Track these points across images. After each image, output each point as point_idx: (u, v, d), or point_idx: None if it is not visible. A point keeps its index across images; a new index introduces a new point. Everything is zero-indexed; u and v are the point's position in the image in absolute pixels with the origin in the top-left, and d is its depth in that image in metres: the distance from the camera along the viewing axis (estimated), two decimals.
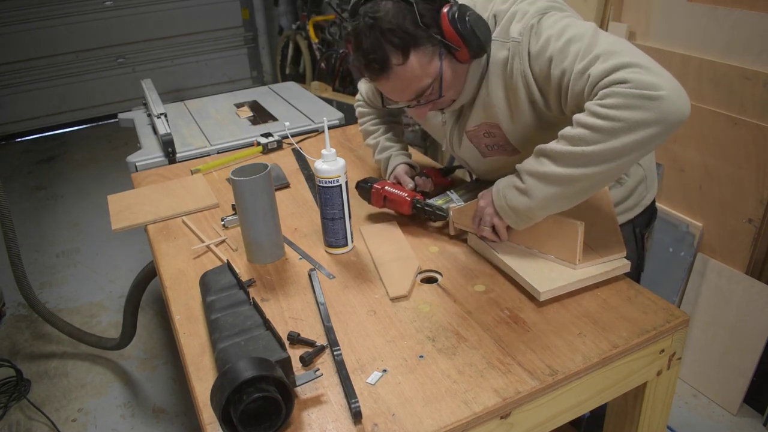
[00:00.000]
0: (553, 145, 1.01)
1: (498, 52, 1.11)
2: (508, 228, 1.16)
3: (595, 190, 1.05)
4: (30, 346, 2.55)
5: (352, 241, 1.28)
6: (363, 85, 1.56)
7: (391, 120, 1.57)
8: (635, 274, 1.37)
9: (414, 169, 1.46)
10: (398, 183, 1.41)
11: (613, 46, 0.98)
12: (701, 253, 2.04)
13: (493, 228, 1.17)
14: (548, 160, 1.02)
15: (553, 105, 1.09)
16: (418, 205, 1.31)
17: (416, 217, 1.35)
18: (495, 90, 1.14)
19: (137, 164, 1.94)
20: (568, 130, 1.00)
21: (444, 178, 1.48)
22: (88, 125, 5.29)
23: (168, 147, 1.93)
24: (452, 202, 1.35)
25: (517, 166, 1.09)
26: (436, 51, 1.08)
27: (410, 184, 1.38)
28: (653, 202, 1.37)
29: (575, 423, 1.53)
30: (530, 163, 1.06)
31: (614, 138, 0.94)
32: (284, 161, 1.77)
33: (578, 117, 0.98)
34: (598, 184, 1.02)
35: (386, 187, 1.36)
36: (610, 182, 1.19)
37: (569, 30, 1.02)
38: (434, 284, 1.15)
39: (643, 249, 1.39)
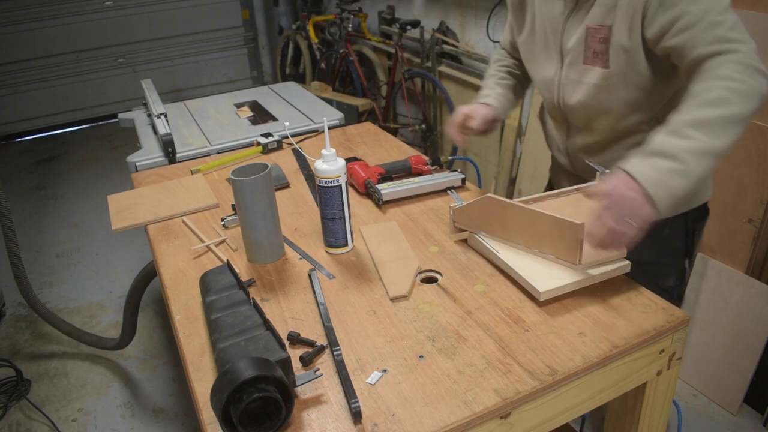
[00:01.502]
0: (696, 113, 0.98)
1: None
2: (508, 228, 1.16)
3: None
4: (30, 346, 2.55)
5: (352, 241, 1.29)
6: (506, 32, 1.52)
7: (512, 70, 1.51)
8: (680, 272, 1.37)
9: (489, 110, 1.41)
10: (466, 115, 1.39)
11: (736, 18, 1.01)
12: (701, 253, 2.04)
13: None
14: (696, 131, 0.96)
15: (647, 31, 1.08)
16: (367, 186, 1.49)
17: (369, 196, 1.51)
18: None
19: (137, 164, 1.94)
20: (703, 94, 0.98)
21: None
22: (88, 125, 5.29)
23: (168, 147, 1.93)
24: (412, 185, 1.42)
25: (655, 146, 0.98)
26: None
27: (472, 121, 1.38)
28: (707, 202, 1.35)
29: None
30: (674, 141, 0.97)
31: (749, 101, 0.97)
32: (284, 161, 1.77)
33: (712, 80, 0.98)
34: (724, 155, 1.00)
35: (355, 166, 1.55)
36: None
37: None
38: (434, 284, 1.15)
39: (693, 245, 1.37)
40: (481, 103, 1.43)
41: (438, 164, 1.61)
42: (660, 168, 0.96)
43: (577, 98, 1.25)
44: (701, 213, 1.35)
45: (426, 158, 1.61)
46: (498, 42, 3.01)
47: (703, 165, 0.96)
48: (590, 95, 1.22)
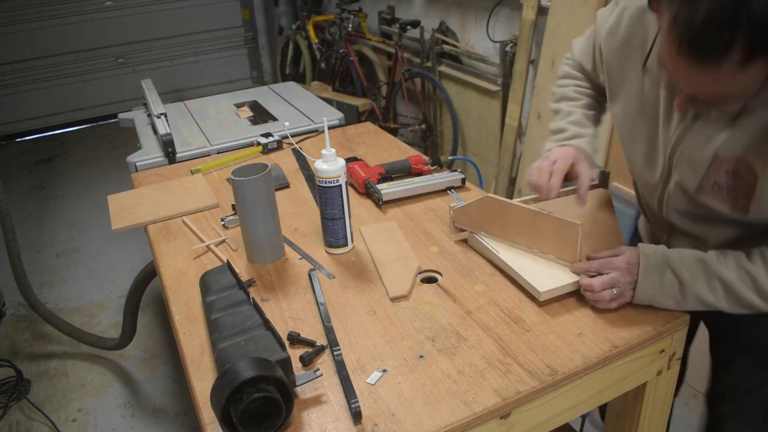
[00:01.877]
0: (742, 282, 0.93)
1: None
2: (508, 228, 1.16)
3: None
4: (30, 346, 2.55)
5: (352, 241, 1.29)
6: (579, 44, 1.26)
7: (596, 96, 1.26)
8: None
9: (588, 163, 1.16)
10: (572, 170, 1.12)
11: None
12: None
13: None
14: (724, 290, 0.94)
15: None
16: (367, 186, 1.49)
17: (369, 196, 1.51)
18: None
19: (137, 164, 1.94)
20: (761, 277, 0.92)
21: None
22: (88, 125, 5.29)
23: (168, 147, 1.93)
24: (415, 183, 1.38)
25: (685, 262, 0.96)
26: None
27: (583, 178, 1.11)
28: None
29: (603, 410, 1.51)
30: (699, 279, 0.95)
31: None
32: (284, 161, 1.77)
33: None
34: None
35: (355, 166, 1.55)
36: None
37: None
38: (434, 284, 1.15)
39: None
40: (582, 151, 1.15)
41: (438, 164, 1.61)
42: (663, 284, 0.99)
43: (687, 218, 1.04)
44: None
45: (426, 158, 1.61)
46: (498, 43, 3.02)
47: (695, 307, 0.98)
48: (707, 222, 1.01)
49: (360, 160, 1.63)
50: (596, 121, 1.24)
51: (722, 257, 0.95)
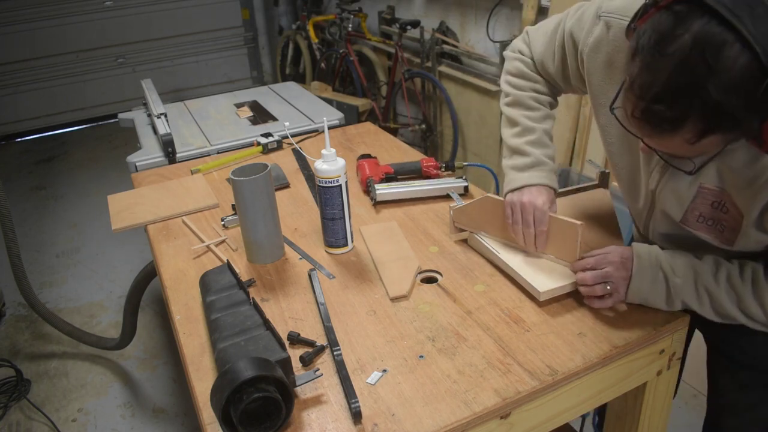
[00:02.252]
0: (727, 295, 0.93)
1: None
2: (508, 228, 1.16)
3: None
4: (30, 346, 2.55)
5: (352, 241, 1.29)
6: (541, 41, 1.16)
7: (553, 104, 1.22)
8: None
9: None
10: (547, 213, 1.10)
11: None
12: None
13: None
14: (709, 296, 0.94)
15: None
16: (368, 184, 1.47)
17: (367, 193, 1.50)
18: (744, 162, 0.84)
19: (137, 164, 1.94)
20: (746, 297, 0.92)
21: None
22: (88, 125, 5.29)
23: (168, 147, 1.93)
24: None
25: (675, 265, 0.96)
26: (737, 136, 0.76)
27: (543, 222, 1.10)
28: None
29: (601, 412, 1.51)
30: (688, 284, 0.95)
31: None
32: (284, 161, 1.77)
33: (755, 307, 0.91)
34: None
35: (364, 163, 1.54)
36: None
37: None
38: (434, 284, 1.15)
39: None
40: (539, 185, 1.12)
41: (451, 169, 1.57)
42: (654, 285, 0.98)
43: (673, 242, 1.03)
44: None
45: (440, 162, 1.58)
46: (498, 43, 3.02)
47: (680, 308, 0.99)
48: (693, 247, 0.99)
49: (373, 157, 1.59)
50: (551, 135, 1.19)
51: (714, 268, 0.94)
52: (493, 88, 3.07)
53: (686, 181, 0.92)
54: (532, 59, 1.20)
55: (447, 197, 1.47)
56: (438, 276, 1.18)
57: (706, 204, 0.92)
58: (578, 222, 1.06)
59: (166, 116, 2.11)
